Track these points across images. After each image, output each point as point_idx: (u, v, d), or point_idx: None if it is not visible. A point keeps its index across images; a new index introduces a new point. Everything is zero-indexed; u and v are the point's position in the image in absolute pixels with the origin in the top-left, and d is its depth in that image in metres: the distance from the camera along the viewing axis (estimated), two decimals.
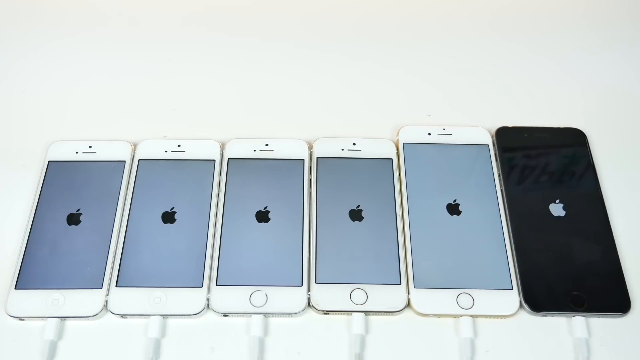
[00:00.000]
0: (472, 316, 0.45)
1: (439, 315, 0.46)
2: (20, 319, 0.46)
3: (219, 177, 0.52)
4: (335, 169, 0.52)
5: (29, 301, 0.46)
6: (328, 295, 0.46)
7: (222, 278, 0.47)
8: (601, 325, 0.46)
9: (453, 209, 0.50)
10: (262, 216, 0.49)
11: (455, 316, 0.46)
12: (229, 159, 0.52)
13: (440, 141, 0.54)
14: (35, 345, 0.45)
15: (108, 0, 0.64)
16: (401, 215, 0.49)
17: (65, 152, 0.53)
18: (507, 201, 0.50)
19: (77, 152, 0.53)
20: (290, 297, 0.46)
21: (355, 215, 0.49)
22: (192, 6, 0.64)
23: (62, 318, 0.45)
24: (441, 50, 0.62)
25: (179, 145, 0.53)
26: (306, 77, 0.60)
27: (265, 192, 0.51)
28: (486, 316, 0.46)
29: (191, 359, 0.45)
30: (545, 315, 0.46)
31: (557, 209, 0.50)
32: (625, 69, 0.61)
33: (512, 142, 0.54)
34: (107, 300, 0.46)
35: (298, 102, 0.58)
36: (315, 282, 0.46)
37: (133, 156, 0.53)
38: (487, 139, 0.54)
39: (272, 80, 0.60)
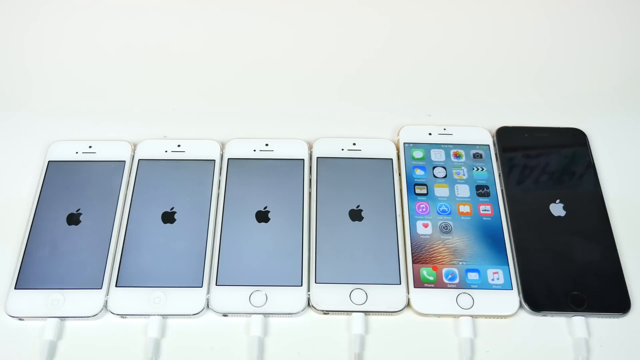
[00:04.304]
0: (472, 316, 0.45)
1: (439, 315, 0.46)
2: (20, 319, 0.46)
3: (219, 177, 0.52)
4: (335, 169, 0.52)
5: (29, 301, 0.46)
6: (328, 295, 0.46)
7: (222, 278, 0.47)
8: (601, 325, 0.46)
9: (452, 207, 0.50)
10: (262, 216, 0.49)
11: (455, 316, 0.46)
12: (229, 159, 0.52)
13: (440, 141, 0.54)
14: (35, 345, 0.45)
15: (108, 1, 0.64)
16: (401, 215, 0.49)
17: (65, 152, 0.53)
18: (507, 201, 0.50)
19: (77, 152, 0.53)
20: (290, 297, 0.46)
21: (355, 215, 0.49)
22: (192, 6, 0.64)
23: (62, 318, 0.45)
24: (441, 50, 0.62)
25: (179, 145, 0.53)
26: (306, 77, 0.60)
27: (265, 192, 0.51)
28: (486, 316, 0.46)
29: (191, 359, 0.45)
30: (545, 315, 0.46)
31: (557, 209, 0.50)
32: (626, 69, 0.61)
33: (512, 142, 0.54)
34: (106, 300, 0.46)
35: (298, 101, 0.58)
36: (315, 282, 0.46)
37: (133, 156, 0.53)
38: (488, 139, 0.54)
39: (272, 80, 0.60)
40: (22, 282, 0.46)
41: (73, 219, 0.49)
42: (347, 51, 0.62)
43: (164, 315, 0.46)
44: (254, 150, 0.53)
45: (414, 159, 0.53)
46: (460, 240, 0.48)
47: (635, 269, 0.48)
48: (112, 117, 0.57)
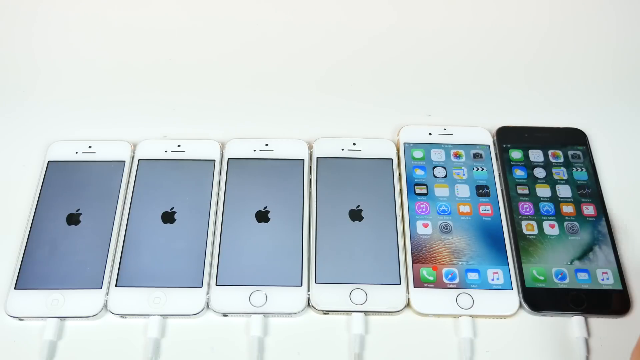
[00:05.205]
0: (472, 316, 0.45)
1: (439, 315, 0.46)
2: (20, 319, 0.46)
3: (219, 177, 0.52)
4: (335, 169, 0.52)
5: (29, 301, 0.46)
6: (328, 295, 0.46)
7: (222, 278, 0.47)
8: (601, 325, 0.46)
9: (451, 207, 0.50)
10: (262, 216, 0.49)
11: (454, 316, 0.46)
12: (229, 159, 0.52)
13: (440, 141, 0.54)
14: (35, 345, 0.45)
15: (108, 2, 0.64)
16: (401, 215, 0.49)
17: (65, 152, 0.53)
18: (506, 201, 0.50)
19: (76, 152, 0.53)
20: (290, 297, 0.46)
21: (355, 215, 0.49)
22: (192, 6, 0.64)
23: (62, 318, 0.45)
24: (442, 50, 0.62)
25: (179, 145, 0.53)
26: (306, 76, 0.60)
27: (265, 192, 0.51)
28: (486, 316, 0.46)
29: (191, 359, 0.45)
30: (545, 315, 0.46)
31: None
32: (627, 69, 0.61)
33: (512, 142, 0.54)
34: (106, 300, 0.46)
35: (298, 101, 0.58)
36: (315, 282, 0.46)
37: (133, 156, 0.53)
38: (488, 139, 0.54)
39: (273, 80, 0.60)
40: (22, 282, 0.46)
41: (73, 219, 0.49)
42: (347, 51, 0.62)
43: (164, 315, 0.46)
44: (254, 150, 0.53)
45: (414, 159, 0.53)
46: (460, 240, 0.48)
47: (635, 269, 0.48)
48: (112, 117, 0.57)
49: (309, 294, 0.46)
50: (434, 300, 0.46)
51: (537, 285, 0.46)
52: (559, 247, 0.48)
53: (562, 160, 0.53)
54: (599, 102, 0.58)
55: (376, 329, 0.46)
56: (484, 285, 0.46)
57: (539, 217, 0.50)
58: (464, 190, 0.51)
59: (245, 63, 0.61)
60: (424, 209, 0.50)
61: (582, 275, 0.47)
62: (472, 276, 0.47)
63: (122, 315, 0.46)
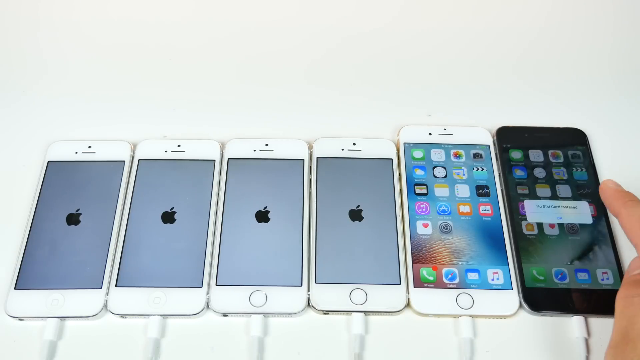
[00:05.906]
0: (472, 316, 0.45)
1: (439, 315, 0.46)
2: (20, 319, 0.46)
3: (219, 177, 0.52)
4: (335, 169, 0.52)
5: (29, 301, 0.46)
6: (328, 295, 0.46)
7: (222, 278, 0.47)
8: (601, 325, 0.46)
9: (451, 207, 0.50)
10: (262, 216, 0.49)
11: (454, 316, 0.46)
12: (229, 159, 0.52)
13: (440, 141, 0.54)
14: (35, 345, 0.45)
15: (109, 2, 0.64)
16: (401, 215, 0.49)
17: (65, 152, 0.53)
18: (506, 201, 0.50)
19: (76, 152, 0.53)
20: (290, 297, 0.46)
21: (355, 215, 0.49)
22: (192, 5, 0.64)
23: (62, 318, 0.45)
24: (442, 50, 0.62)
25: (179, 145, 0.53)
26: (306, 76, 0.60)
27: (265, 192, 0.51)
28: (486, 316, 0.46)
29: (191, 359, 0.45)
30: (545, 315, 0.46)
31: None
32: (627, 69, 0.61)
33: (512, 142, 0.54)
34: (106, 300, 0.46)
35: (298, 102, 0.58)
36: (315, 282, 0.46)
37: (133, 156, 0.53)
38: (488, 139, 0.54)
39: (273, 80, 0.60)
40: (22, 282, 0.46)
41: (73, 219, 0.49)
42: (347, 51, 0.62)
43: (164, 315, 0.46)
44: (254, 150, 0.53)
45: (414, 159, 0.53)
46: (460, 240, 0.48)
47: None
48: (112, 117, 0.57)
49: (309, 294, 0.46)
50: (434, 300, 0.46)
51: (537, 285, 0.46)
52: (559, 247, 0.48)
53: (562, 160, 0.53)
54: (600, 102, 0.58)
55: (376, 329, 0.46)
56: (484, 285, 0.46)
57: None
58: (464, 190, 0.51)
59: (246, 63, 0.61)
60: (424, 209, 0.50)
61: (582, 275, 0.47)
62: (472, 276, 0.47)
63: (122, 315, 0.46)
